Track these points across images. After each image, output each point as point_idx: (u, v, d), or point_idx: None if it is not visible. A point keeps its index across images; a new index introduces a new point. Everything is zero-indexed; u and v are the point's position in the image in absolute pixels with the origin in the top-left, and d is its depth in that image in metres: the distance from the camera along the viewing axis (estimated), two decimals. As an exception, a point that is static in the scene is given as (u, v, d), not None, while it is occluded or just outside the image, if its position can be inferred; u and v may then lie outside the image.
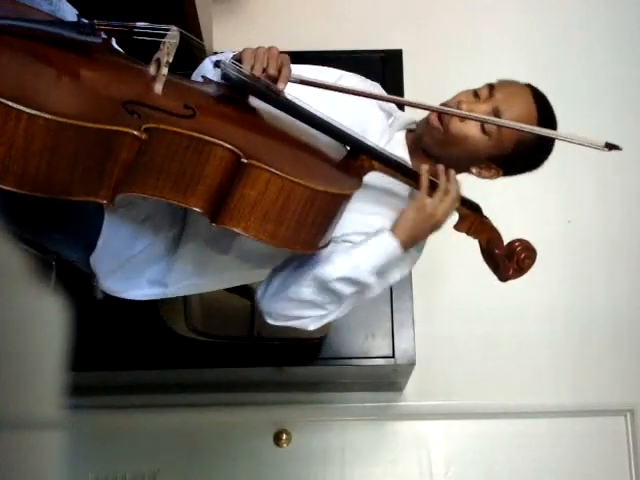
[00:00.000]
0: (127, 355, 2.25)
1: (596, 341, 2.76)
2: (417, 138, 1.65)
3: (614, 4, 3.06)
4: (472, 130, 1.57)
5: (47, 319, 0.62)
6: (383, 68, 2.44)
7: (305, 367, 2.25)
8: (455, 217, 1.61)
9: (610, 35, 3.03)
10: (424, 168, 1.54)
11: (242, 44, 2.76)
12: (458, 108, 1.56)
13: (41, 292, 0.62)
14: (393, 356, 2.25)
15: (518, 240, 1.63)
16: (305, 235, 1.39)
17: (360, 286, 1.55)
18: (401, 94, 2.34)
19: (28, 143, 1.08)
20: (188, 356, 2.26)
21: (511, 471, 2.66)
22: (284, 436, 2.63)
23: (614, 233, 2.84)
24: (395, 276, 1.62)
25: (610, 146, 1.51)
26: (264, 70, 1.45)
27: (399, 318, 2.24)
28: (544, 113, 1.60)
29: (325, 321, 1.60)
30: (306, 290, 1.54)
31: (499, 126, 1.55)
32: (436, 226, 1.56)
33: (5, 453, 0.56)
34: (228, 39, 2.74)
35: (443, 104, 1.60)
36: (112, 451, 2.60)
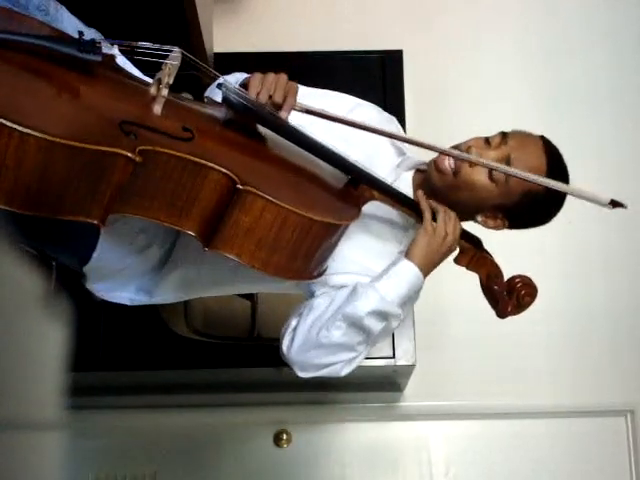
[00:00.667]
0: (127, 356, 2.25)
1: (596, 342, 2.75)
2: (426, 179, 1.63)
3: (614, 4, 3.06)
4: (480, 176, 1.56)
5: (47, 320, 0.63)
6: (383, 69, 2.43)
7: (305, 367, 2.25)
8: (455, 251, 1.61)
9: (610, 35, 3.02)
10: (419, 194, 1.56)
11: (243, 44, 2.78)
12: (467, 153, 1.55)
13: (41, 293, 0.62)
14: (393, 357, 2.25)
15: (519, 276, 1.61)
16: (299, 264, 1.38)
17: (388, 319, 1.54)
18: (401, 95, 2.34)
19: (19, 161, 1.07)
20: (188, 357, 2.26)
21: (511, 472, 2.66)
22: (284, 436, 2.63)
23: (614, 234, 2.84)
24: (397, 323, 1.60)
25: (615, 204, 1.50)
26: (270, 97, 1.44)
27: (399, 318, 2.24)
28: (554, 166, 1.58)
29: (354, 365, 1.59)
30: (336, 332, 1.52)
31: (507, 175, 1.54)
32: (451, 248, 1.56)
33: (6, 453, 0.56)
34: (229, 39, 2.74)
35: (453, 147, 1.58)
36: (112, 451, 2.60)
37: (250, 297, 2.40)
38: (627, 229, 2.84)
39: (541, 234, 2.69)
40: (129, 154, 1.15)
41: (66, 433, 0.65)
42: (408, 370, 2.34)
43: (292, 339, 1.57)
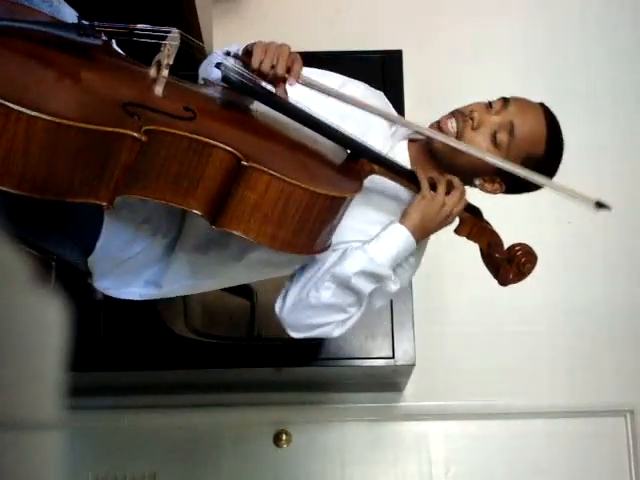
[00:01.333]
0: (127, 356, 2.25)
1: (596, 342, 2.76)
2: (426, 142, 1.64)
3: (613, 6, 3.06)
4: (483, 140, 1.57)
5: (47, 320, 0.63)
6: (383, 69, 2.44)
7: (305, 367, 2.25)
8: (455, 221, 1.61)
9: (610, 36, 3.03)
10: (419, 170, 1.57)
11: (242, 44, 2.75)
12: (471, 117, 1.57)
13: (41, 293, 0.62)
14: (393, 357, 2.25)
15: (519, 244, 1.62)
16: (306, 238, 1.39)
17: (379, 280, 1.55)
18: (401, 95, 2.34)
19: (27, 144, 1.08)
20: (188, 357, 2.26)
21: (511, 471, 2.66)
22: (284, 436, 2.63)
23: (613, 234, 2.84)
24: (395, 286, 1.61)
25: (600, 205, 1.52)
26: (272, 67, 1.44)
27: (399, 319, 2.24)
28: (553, 133, 1.61)
29: (348, 325, 1.60)
30: (325, 293, 1.54)
31: (510, 140, 1.56)
32: (447, 218, 1.56)
33: (5, 453, 0.56)
34: (228, 40, 2.73)
35: (456, 110, 1.60)
36: (111, 451, 2.60)
37: (249, 297, 2.40)
38: (627, 229, 2.84)
39: (540, 233, 2.71)
40: (135, 134, 1.16)
41: (65, 433, 0.65)
42: (408, 370, 2.34)
43: (284, 301, 1.59)
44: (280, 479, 2.64)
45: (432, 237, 1.66)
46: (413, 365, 2.28)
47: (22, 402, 0.60)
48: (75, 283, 1.62)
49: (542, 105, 1.64)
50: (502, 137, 1.57)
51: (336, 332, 1.60)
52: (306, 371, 2.31)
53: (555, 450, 2.68)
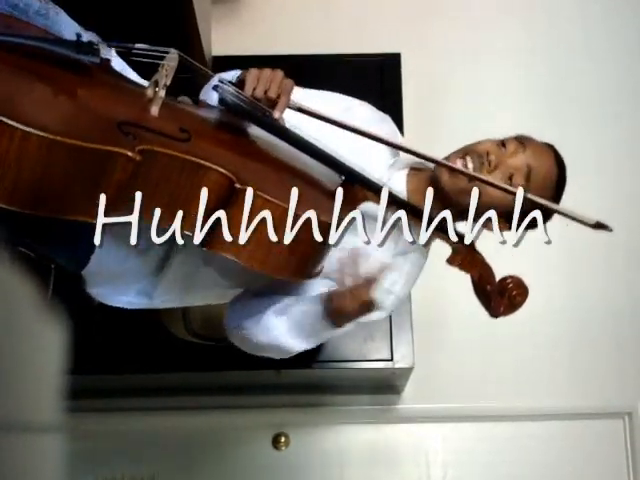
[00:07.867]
0: (126, 358, 2.25)
1: (594, 344, 2.76)
2: (432, 177, 1.61)
3: (614, 9, 3.07)
4: (497, 182, 1.55)
5: (46, 323, 0.63)
6: (381, 72, 2.44)
7: (303, 370, 2.25)
8: (448, 250, 1.61)
9: (611, 40, 3.03)
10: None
11: (241, 47, 2.78)
12: (488, 160, 1.56)
13: (40, 296, 0.62)
14: (391, 359, 2.25)
15: (510, 277, 1.61)
16: (296, 263, 1.38)
17: (283, 350, 1.59)
18: (399, 98, 2.35)
19: (20, 160, 1.07)
20: (187, 359, 2.26)
21: (509, 474, 2.66)
22: (282, 439, 2.63)
23: (613, 235, 2.84)
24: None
25: (599, 225, 1.53)
26: (265, 92, 1.44)
27: (398, 321, 2.24)
28: (562, 178, 1.62)
29: (292, 354, 1.63)
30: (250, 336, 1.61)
31: (525, 184, 1.54)
32: (368, 307, 1.48)
33: (5, 455, 0.57)
34: (227, 42, 2.74)
35: (469, 149, 1.58)
36: (111, 454, 2.60)
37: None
38: (627, 230, 2.85)
39: (540, 235, 2.71)
40: (129, 153, 1.15)
41: (65, 436, 0.65)
42: (406, 373, 2.34)
43: (229, 313, 1.64)
44: (278, 482, 2.65)
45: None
46: (412, 368, 2.28)
47: (22, 405, 0.61)
48: (74, 286, 1.63)
49: (553, 148, 1.64)
50: (518, 180, 1.55)
51: (278, 357, 1.65)
52: (305, 374, 2.31)
53: (553, 452, 2.68)
